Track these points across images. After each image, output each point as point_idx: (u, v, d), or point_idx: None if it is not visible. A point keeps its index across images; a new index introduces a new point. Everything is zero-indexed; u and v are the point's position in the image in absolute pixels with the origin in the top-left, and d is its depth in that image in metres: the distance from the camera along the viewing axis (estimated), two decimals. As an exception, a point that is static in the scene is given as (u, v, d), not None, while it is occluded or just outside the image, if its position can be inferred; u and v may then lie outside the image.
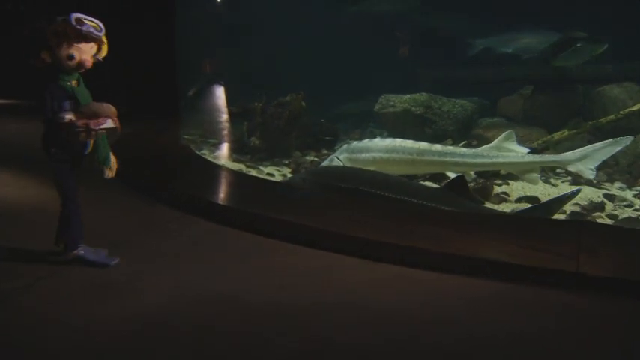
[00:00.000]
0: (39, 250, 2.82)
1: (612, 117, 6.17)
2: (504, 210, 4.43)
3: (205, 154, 5.98)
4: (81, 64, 2.41)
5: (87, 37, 2.38)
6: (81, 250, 2.65)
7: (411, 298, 2.49)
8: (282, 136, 6.14)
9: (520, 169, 4.59)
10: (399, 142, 4.81)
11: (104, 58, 2.54)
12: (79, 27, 2.35)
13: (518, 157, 4.52)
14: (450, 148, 4.80)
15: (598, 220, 4.19)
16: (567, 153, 4.59)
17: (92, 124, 2.38)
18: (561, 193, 4.31)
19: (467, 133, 6.86)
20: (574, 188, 4.65)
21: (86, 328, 2.14)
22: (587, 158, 4.44)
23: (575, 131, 6.23)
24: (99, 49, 2.48)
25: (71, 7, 2.46)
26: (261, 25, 8.80)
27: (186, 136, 6.47)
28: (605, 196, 4.86)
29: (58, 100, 2.40)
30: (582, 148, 4.54)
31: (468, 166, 4.61)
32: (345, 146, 5.19)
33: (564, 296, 2.48)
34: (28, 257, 2.76)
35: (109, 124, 2.43)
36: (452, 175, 4.54)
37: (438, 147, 4.75)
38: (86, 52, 2.41)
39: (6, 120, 7.55)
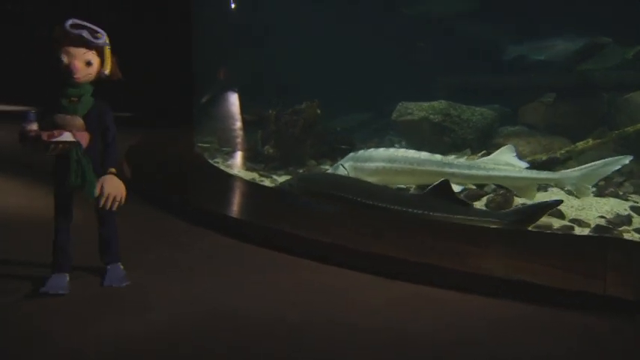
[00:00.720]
0: (39, 262, 2.75)
1: (640, 126, 5.95)
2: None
3: (219, 162, 5.91)
4: (69, 69, 2.29)
5: (74, 40, 2.28)
6: (49, 279, 2.50)
7: (432, 318, 2.37)
8: (297, 145, 6.04)
9: (516, 185, 4.50)
10: (401, 152, 4.79)
11: (114, 76, 2.42)
12: (67, 29, 2.27)
13: (516, 171, 4.44)
14: (449, 159, 4.71)
15: (625, 235, 4.00)
16: (566, 171, 4.49)
17: (45, 135, 2.25)
18: (546, 200, 4.24)
19: (487, 141, 6.67)
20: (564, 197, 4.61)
21: (81, 346, 2.05)
22: (585, 177, 4.34)
23: (600, 140, 6.01)
24: (102, 62, 2.37)
25: (99, 12, 2.39)
26: (279, 30, 8.72)
27: (199, 144, 6.42)
28: (633, 208, 4.65)
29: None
30: (581, 167, 4.44)
31: (465, 178, 4.57)
32: (352, 154, 5.14)
33: (591, 319, 2.33)
34: (26, 270, 2.69)
35: (66, 137, 2.28)
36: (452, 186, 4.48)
37: (437, 157, 4.70)
38: (76, 57, 2.30)
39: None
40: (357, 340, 2.16)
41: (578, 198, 4.97)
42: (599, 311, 2.37)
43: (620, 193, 5.05)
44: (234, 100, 7.11)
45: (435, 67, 8.35)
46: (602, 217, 4.42)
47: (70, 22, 2.28)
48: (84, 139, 2.34)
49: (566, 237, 3.71)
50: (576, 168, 4.42)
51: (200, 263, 2.91)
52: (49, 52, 2.33)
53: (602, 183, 5.39)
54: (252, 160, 6.13)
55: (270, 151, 6.05)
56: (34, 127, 2.27)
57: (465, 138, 6.55)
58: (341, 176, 4.76)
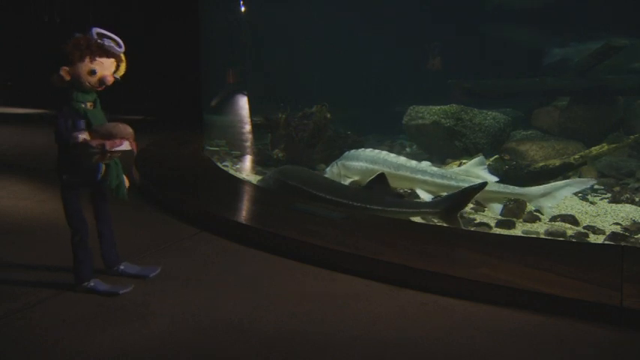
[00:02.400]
0: (47, 268, 2.74)
1: (656, 131, 5.84)
2: (538, 230, 4.17)
3: (227, 166, 5.87)
4: (102, 80, 2.32)
5: (108, 52, 2.32)
6: (91, 283, 2.55)
7: (441, 329, 2.29)
8: (307, 149, 5.99)
9: (483, 197, 4.49)
10: (383, 155, 4.87)
11: (122, 77, 2.45)
12: (100, 41, 2.29)
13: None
14: (423, 166, 4.72)
15: (642, 243, 3.90)
16: (531, 187, 4.49)
17: (108, 144, 2.24)
18: (470, 184, 4.21)
19: (499, 146, 6.57)
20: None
21: (83, 355, 2.01)
22: (549, 196, 4.36)
23: (615, 145, 5.89)
24: (117, 67, 2.40)
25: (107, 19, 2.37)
26: (293, 32, 8.68)
27: (209, 147, 6.39)
28: (649, 215, 4.54)
29: (73, 119, 2.31)
30: (545, 185, 4.45)
31: (436, 186, 4.58)
32: (345, 153, 5.25)
33: (608, 332, 2.25)
34: (34, 276, 2.67)
35: (126, 146, 2.29)
36: (421, 193, 4.57)
37: (413, 163, 4.74)
38: (107, 68, 2.34)
39: (34, 131, 7.63)
40: (359, 352, 2.09)
41: (593, 204, 4.88)
42: (616, 323, 2.28)
43: (637, 199, 4.93)
44: (243, 103, 7.08)
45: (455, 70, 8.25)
46: (617, 223, 4.31)
47: (95, 30, 2.29)
48: (134, 148, 2.35)
49: (580, 245, 3.61)
50: (541, 186, 4.45)
51: (202, 269, 2.86)
52: (60, 58, 2.31)
53: (617, 189, 5.28)
54: (261, 164, 6.09)
55: (280, 155, 6.00)
56: (85, 135, 2.27)
57: (476, 142, 6.45)
58: (311, 172, 4.89)
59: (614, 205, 4.86)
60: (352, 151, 5.17)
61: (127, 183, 2.54)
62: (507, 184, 4.59)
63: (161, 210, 3.91)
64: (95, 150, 2.24)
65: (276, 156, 6.02)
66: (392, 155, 4.86)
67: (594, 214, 4.60)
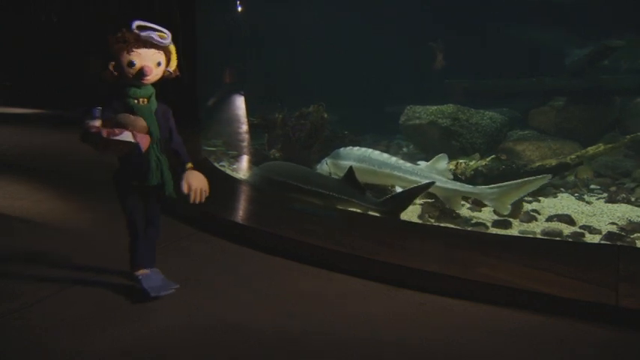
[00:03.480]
0: (44, 268, 2.72)
1: (652, 130, 5.86)
2: (534, 230, 4.19)
3: (225, 166, 5.87)
4: (142, 71, 2.25)
5: (146, 43, 2.24)
6: (139, 275, 2.54)
7: (439, 329, 2.29)
8: (304, 149, 5.98)
9: (442, 194, 4.63)
10: (369, 152, 5.01)
11: (175, 74, 2.42)
12: (137, 32, 2.23)
13: (442, 181, 4.57)
14: (401, 163, 4.85)
15: (638, 243, 3.91)
16: (485, 187, 4.55)
17: (105, 132, 2.18)
18: (418, 184, 4.36)
19: (496, 146, 6.59)
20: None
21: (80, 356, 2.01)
22: (504, 195, 4.39)
23: (611, 145, 5.91)
24: (167, 61, 2.35)
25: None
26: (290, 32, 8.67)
27: (206, 147, 6.38)
28: (645, 214, 4.56)
29: (92, 108, 2.25)
30: (500, 184, 4.47)
31: (407, 182, 4.69)
32: (335, 152, 5.37)
33: (605, 331, 2.25)
34: (31, 276, 2.66)
35: (126, 136, 2.21)
36: (398, 189, 4.67)
37: (393, 160, 4.89)
38: (147, 59, 2.25)
39: (33, 132, 7.60)
40: (357, 352, 2.10)
41: (589, 204, 4.90)
42: (612, 323, 2.29)
43: (633, 199, 4.96)
44: (240, 103, 7.07)
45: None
46: (613, 223, 4.34)
47: (136, 23, 2.24)
48: (144, 141, 2.29)
49: (577, 245, 3.63)
50: (495, 185, 4.48)
51: (199, 269, 2.86)
52: (103, 54, 2.28)
53: (613, 188, 5.30)
54: (258, 164, 6.08)
55: (277, 155, 6.00)
56: (97, 123, 2.19)
57: (473, 142, 6.47)
58: (290, 165, 4.99)
59: (610, 204, 4.89)
60: (341, 149, 5.30)
61: (193, 180, 2.42)
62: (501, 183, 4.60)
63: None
64: (94, 137, 2.18)
65: (273, 156, 6.02)
66: (376, 153, 4.99)
67: (590, 213, 4.62)
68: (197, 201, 2.41)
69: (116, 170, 2.45)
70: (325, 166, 5.30)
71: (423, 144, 6.96)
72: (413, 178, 4.67)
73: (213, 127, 7.23)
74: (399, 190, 4.62)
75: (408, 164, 4.86)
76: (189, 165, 2.46)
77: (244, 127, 6.82)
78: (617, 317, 2.30)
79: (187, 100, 6.88)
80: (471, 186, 4.62)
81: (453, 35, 8.40)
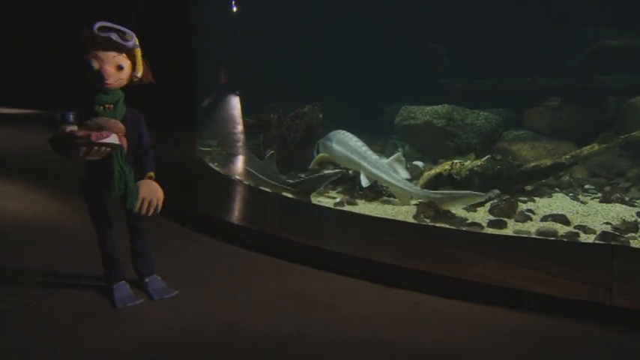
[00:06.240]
0: (38, 268, 2.71)
1: (647, 130, 5.86)
2: (529, 230, 4.19)
3: (217, 165, 5.85)
4: (101, 74, 2.18)
5: (104, 44, 2.16)
6: (113, 286, 2.51)
7: (432, 329, 2.29)
8: (299, 149, 5.98)
9: (394, 190, 4.79)
10: (348, 138, 5.13)
11: (146, 79, 2.33)
12: (96, 32, 2.15)
13: (396, 179, 4.72)
14: (369, 154, 4.94)
15: (632, 242, 3.92)
16: (429, 191, 4.67)
17: (94, 136, 2.15)
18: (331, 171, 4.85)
19: (491, 146, 6.60)
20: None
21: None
22: (443, 202, 4.48)
23: (605, 145, 5.92)
24: (133, 65, 2.27)
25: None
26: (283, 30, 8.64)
27: (200, 148, 6.37)
28: None
29: (64, 113, 2.19)
30: (444, 192, 4.63)
31: (370, 174, 4.82)
32: (329, 134, 5.46)
33: (599, 330, 2.26)
34: (25, 276, 2.65)
35: (113, 139, 2.20)
36: (363, 178, 4.80)
37: (363, 149, 4.98)
38: (107, 62, 2.18)
39: (28, 131, 7.57)
40: (352, 352, 2.09)
41: (584, 204, 4.91)
42: (606, 322, 2.30)
43: (627, 199, 4.97)
44: (235, 103, 7.06)
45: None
46: (608, 223, 4.34)
47: (97, 24, 2.16)
48: (124, 143, 2.28)
49: (572, 244, 3.64)
50: (439, 191, 4.63)
51: (192, 269, 2.86)
52: (79, 58, 2.23)
53: (607, 188, 5.31)
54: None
55: (272, 155, 5.99)
56: (74, 128, 2.15)
57: (468, 142, 6.48)
58: (258, 160, 5.30)
59: (604, 204, 4.89)
60: (333, 132, 5.40)
61: (149, 189, 2.39)
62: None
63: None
64: (81, 141, 2.14)
65: (269, 156, 6.00)
66: (354, 140, 5.10)
67: (585, 213, 4.62)
68: (144, 212, 2.34)
69: (84, 177, 2.42)
70: (320, 147, 5.43)
71: (418, 144, 6.96)
72: (371, 169, 4.79)
73: (208, 127, 7.21)
74: (363, 179, 4.78)
75: (374, 156, 4.96)
76: (150, 174, 2.41)
77: (240, 128, 6.80)
78: (611, 316, 2.31)
79: (183, 101, 6.87)
80: (417, 188, 4.75)
81: (451, 35, 8.40)
